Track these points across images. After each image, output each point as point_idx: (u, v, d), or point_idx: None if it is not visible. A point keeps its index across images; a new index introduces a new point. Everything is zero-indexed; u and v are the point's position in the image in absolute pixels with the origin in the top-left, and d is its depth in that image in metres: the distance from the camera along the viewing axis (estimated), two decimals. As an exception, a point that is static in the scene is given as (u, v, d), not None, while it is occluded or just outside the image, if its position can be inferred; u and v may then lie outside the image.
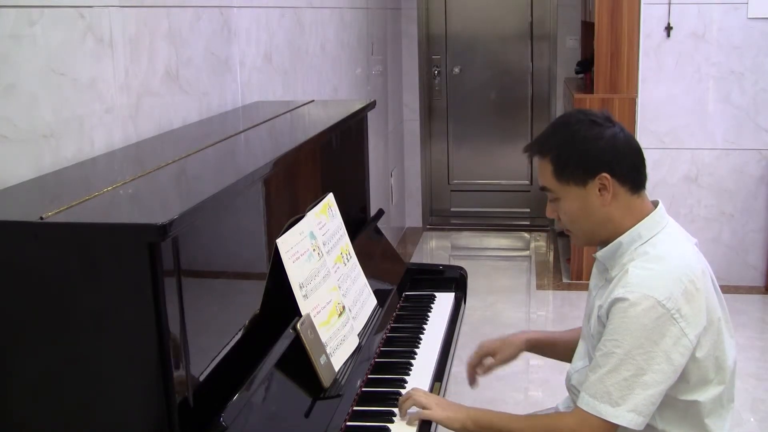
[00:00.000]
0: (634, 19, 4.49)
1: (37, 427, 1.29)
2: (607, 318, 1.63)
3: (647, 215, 1.71)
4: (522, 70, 6.01)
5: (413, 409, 1.76)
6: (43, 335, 1.25)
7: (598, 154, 1.67)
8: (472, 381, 2.11)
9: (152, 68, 1.99)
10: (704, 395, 1.67)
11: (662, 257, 1.65)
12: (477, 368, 2.10)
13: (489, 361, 2.08)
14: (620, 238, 1.70)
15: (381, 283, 2.31)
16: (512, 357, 2.07)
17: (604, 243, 1.75)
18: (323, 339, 1.78)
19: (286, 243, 1.77)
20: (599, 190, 1.68)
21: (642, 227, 1.70)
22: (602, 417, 1.59)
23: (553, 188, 1.72)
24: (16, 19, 1.49)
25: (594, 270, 1.86)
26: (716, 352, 1.67)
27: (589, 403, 1.61)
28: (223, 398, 1.40)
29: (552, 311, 4.63)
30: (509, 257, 5.73)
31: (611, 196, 1.68)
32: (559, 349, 2.06)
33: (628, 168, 1.69)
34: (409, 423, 1.75)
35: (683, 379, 1.63)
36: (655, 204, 1.75)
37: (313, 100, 2.73)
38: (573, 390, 1.89)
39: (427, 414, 1.74)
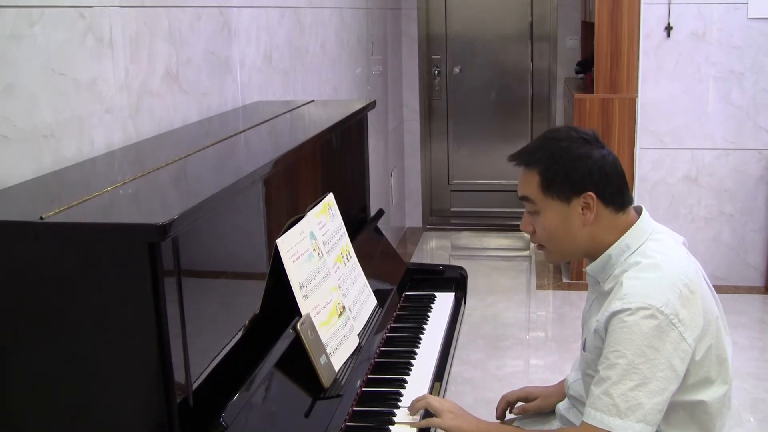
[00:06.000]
0: (634, 19, 4.49)
1: (37, 427, 1.29)
2: (606, 331, 1.62)
3: (632, 225, 1.71)
4: (522, 70, 6.01)
5: (421, 412, 1.76)
6: (43, 335, 1.25)
7: (587, 173, 1.67)
8: (501, 414, 2.05)
9: (152, 68, 1.99)
10: (709, 395, 1.67)
11: (655, 265, 1.64)
12: (513, 407, 2.05)
13: (528, 405, 2.04)
14: (608, 251, 1.70)
15: (381, 283, 2.31)
16: (551, 407, 2.01)
17: (590, 257, 1.76)
18: (323, 339, 1.78)
19: (286, 243, 1.77)
20: (582, 209, 1.68)
21: (629, 238, 1.69)
22: (611, 430, 1.56)
23: (536, 200, 1.71)
24: (16, 19, 1.50)
25: (588, 282, 1.86)
26: (717, 351, 1.67)
27: (595, 417, 1.59)
28: (223, 398, 1.40)
29: (552, 311, 4.63)
30: (509, 257, 5.73)
31: (593, 216, 1.68)
32: None
33: (614, 190, 1.69)
34: (414, 424, 1.75)
35: (682, 381, 1.63)
36: (638, 211, 1.75)
37: (313, 100, 2.73)
38: (573, 398, 1.89)
39: (436, 422, 1.74)
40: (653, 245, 1.69)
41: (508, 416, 2.08)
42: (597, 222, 1.69)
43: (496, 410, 2.06)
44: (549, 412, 2.03)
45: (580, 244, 1.73)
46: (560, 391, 2.02)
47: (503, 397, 2.08)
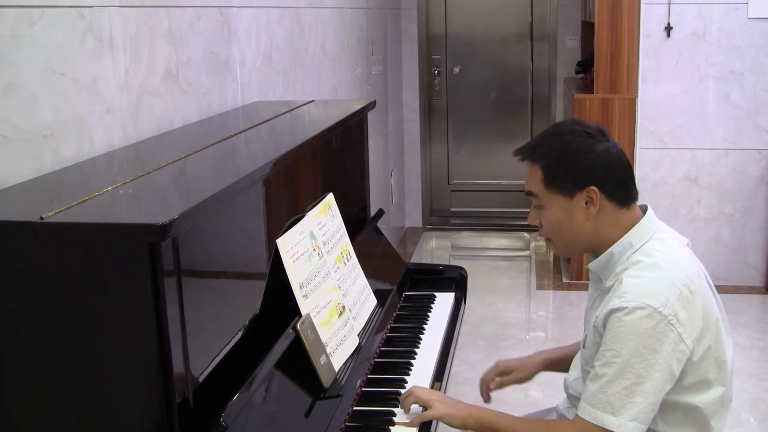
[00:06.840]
0: (634, 19, 4.49)
1: (37, 427, 1.29)
2: (604, 328, 1.63)
3: (636, 224, 1.71)
4: (522, 70, 6.01)
5: (414, 407, 1.77)
6: (43, 335, 1.25)
7: (589, 167, 1.67)
8: (486, 397, 2.10)
9: (152, 68, 1.99)
10: (706, 397, 1.67)
11: (656, 265, 1.64)
12: (491, 384, 2.09)
13: (504, 378, 2.08)
14: (611, 248, 1.70)
15: (381, 283, 2.31)
16: (528, 378, 2.07)
17: (594, 253, 1.76)
18: (323, 339, 1.78)
19: (286, 243, 1.77)
20: (585, 203, 1.68)
21: (632, 236, 1.70)
22: (604, 426, 1.58)
23: (540, 195, 1.72)
24: (16, 19, 1.49)
25: (590, 279, 1.86)
26: (716, 353, 1.67)
27: (590, 413, 1.60)
28: (223, 398, 1.40)
29: (552, 311, 4.63)
30: (509, 257, 5.73)
31: (597, 210, 1.68)
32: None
33: (617, 184, 1.69)
34: (411, 424, 1.75)
35: (678, 381, 1.63)
36: (644, 209, 1.75)
37: (313, 100, 2.73)
38: (572, 397, 1.89)
39: (429, 414, 1.74)
40: (656, 244, 1.69)
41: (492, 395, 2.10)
42: (600, 216, 1.69)
43: (482, 396, 2.09)
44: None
45: (584, 239, 1.73)
46: (537, 362, 2.06)
47: (481, 380, 2.10)
